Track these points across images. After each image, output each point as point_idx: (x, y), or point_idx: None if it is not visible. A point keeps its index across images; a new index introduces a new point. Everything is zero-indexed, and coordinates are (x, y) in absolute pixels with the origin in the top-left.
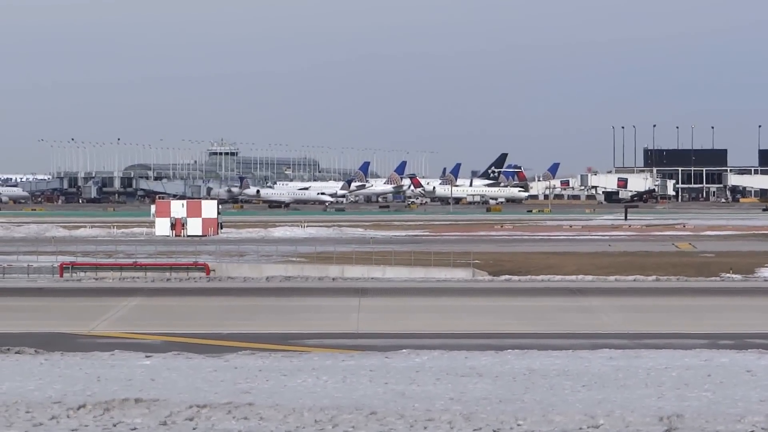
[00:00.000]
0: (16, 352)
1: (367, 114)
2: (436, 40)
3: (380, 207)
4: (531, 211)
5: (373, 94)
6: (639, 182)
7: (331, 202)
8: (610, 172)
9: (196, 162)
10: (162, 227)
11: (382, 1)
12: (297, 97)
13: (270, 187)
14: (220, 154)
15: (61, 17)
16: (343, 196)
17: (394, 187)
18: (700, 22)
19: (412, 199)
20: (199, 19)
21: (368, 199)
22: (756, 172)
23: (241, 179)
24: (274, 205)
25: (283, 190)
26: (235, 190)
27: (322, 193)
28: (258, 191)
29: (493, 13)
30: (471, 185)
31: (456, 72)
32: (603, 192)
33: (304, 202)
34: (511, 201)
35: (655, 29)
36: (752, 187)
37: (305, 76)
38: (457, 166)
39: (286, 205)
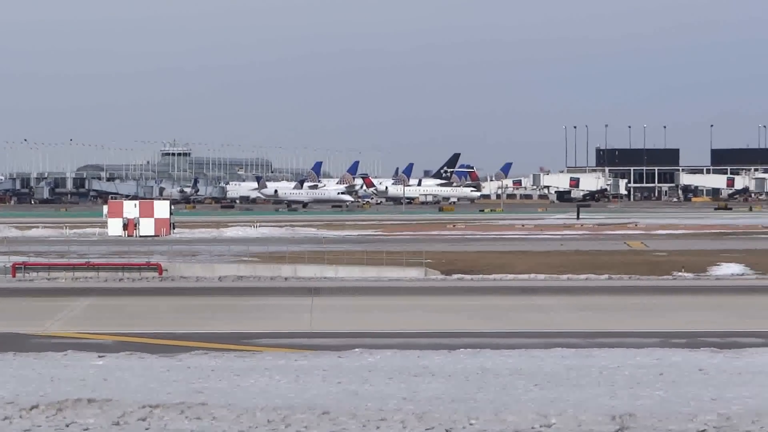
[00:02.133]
0: None
1: (319, 114)
2: (389, 39)
3: (333, 207)
4: (483, 210)
5: (326, 93)
6: (591, 182)
7: (352, 201)
8: (562, 171)
9: (148, 162)
10: (114, 227)
11: (335, 6)
12: (249, 97)
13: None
14: (173, 154)
15: (9, 15)
16: (366, 196)
17: (346, 187)
18: (651, 22)
19: (366, 199)
20: (150, 16)
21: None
22: (708, 171)
23: (258, 178)
24: (226, 205)
25: (302, 191)
26: (253, 186)
27: (343, 192)
28: (276, 191)
29: (445, 11)
30: (420, 185)
31: (408, 71)
32: (555, 191)
33: (325, 201)
34: (464, 200)
35: (605, 29)
36: (704, 187)
37: (258, 76)
38: (410, 166)
39: (305, 204)
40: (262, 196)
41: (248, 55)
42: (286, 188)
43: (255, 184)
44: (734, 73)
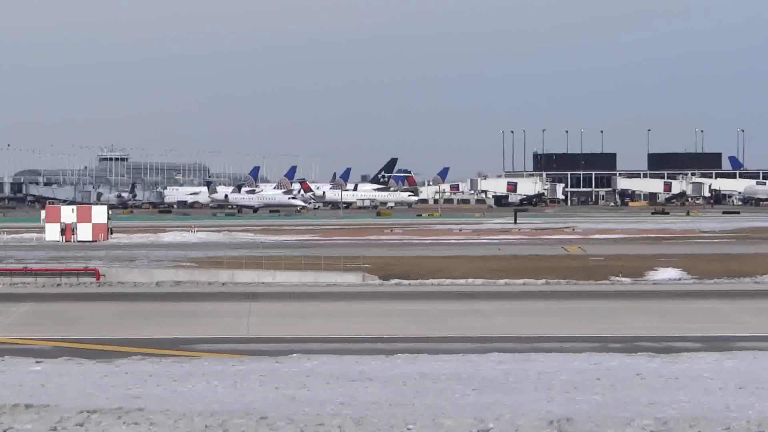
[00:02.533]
0: None
1: (257, 119)
2: (325, 45)
3: (270, 211)
4: (421, 215)
5: (263, 99)
6: (528, 186)
7: (303, 206)
8: (499, 176)
9: (86, 167)
10: (52, 232)
11: (272, 8)
12: (187, 103)
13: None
14: (111, 159)
15: None
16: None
17: (283, 192)
18: (586, 30)
19: (302, 204)
20: (86, 22)
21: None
22: (645, 175)
23: (209, 183)
24: (164, 210)
25: (253, 196)
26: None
27: (294, 197)
28: (226, 196)
29: (378, 18)
30: (356, 189)
31: (346, 76)
32: (493, 196)
33: (276, 206)
34: (402, 205)
35: (541, 37)
36: (641, 191)
37: (195, 82)
38: (348, 171)
39: (255, 209)
40: (210, 201)
41: (184, 61)
42: (236, 193)
43: (193, 189)
44: (671, 77)
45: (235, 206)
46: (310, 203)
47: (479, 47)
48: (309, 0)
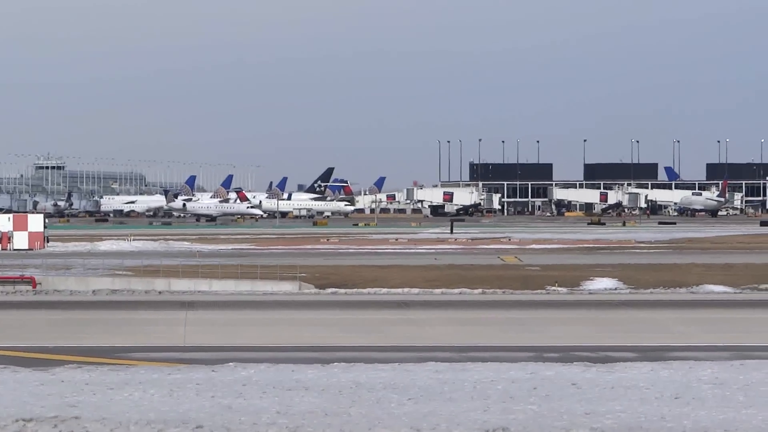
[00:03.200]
0: None
1: (193, 128)
2: (263, 53)
3: (207, 221)
4: (357, 224)
5: (199, 107)
6: (465, 196)
7: (262, 216)
8: (436, 186)
9: (22, 176)
10: None
11: (209, 13)
12: (123, 111)
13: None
14: (47, 168)
15: None
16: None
17: (220, 201)
18: (525, 38)
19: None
20: (21, 28)
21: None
22: (581, 186)
23: (166, 192)
24: (101, 219)
25: (211, 204)
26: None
27: (253, 206)
28: (184, 204)
29: (317, 25)
30: (290, 198)
31: (281, 84)
32: (429, 206)
33: (234, 214)
34: (338, 214)
35: (480, 43)
36: (577, 201)
37: (131, 88)
38: (284, 180)
39: (214, 218)
40: (171, 210)
41: (120, 70)
42: (194, 202)
43: (129, 198)
44: (607, 88)
45: (193, 215)
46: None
47: (415, 57)
48: (247, 7)
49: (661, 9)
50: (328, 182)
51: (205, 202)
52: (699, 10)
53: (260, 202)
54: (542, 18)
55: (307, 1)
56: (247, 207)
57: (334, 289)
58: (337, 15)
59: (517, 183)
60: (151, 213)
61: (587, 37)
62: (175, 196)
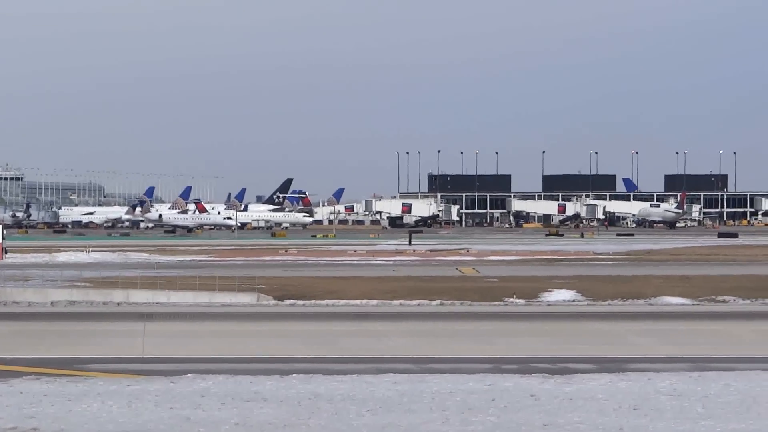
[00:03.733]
0: None
1: (151, 139)
2: (221, 63)
3: (165, 231)
4: (316, 236)
5: (158, 118)
6: (423, 207)
7: (239, 227)
8: (394, 197)
9: None
10: None
11: (166, 25)
12: (82, 122)
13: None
14: (5, 179)
15: None
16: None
17: (179, 212)
18: (483, 49)
19: (147, 224)
20: None
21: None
22: (539, 197)
23: (142, 203)
24: (59, 230)
25: (186, 216)
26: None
27: (229, 217)
28: (160, 215)
29: (277, 36)
30: (245, 209)
31: (240, 95)
32: (387, 217)
33: (210, 226)
34: (297, 226)
35: (439, 55)
36: (536, 213)
37: (89, 98)
38: (243, 191)
39: (190, 230)
40: (145, 221)
41: (79, 80)
42: (170, 213)
43: (87, 209)
44: (565, 99)
45: (170, 226)
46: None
47: (373, 69)
48: (204, 19)
49: (617, 21)
50: (286, 193)
51: (182, 214)
52: (655, 21)
53: (219, 213)
54: (500, 30)
55: (264, 13)
56: (224, 219)
57: (292, 301)
58: (295, 27)
59: (476, 194)
60: (110, 224)
61: (545, 49)
62: (134, 207)
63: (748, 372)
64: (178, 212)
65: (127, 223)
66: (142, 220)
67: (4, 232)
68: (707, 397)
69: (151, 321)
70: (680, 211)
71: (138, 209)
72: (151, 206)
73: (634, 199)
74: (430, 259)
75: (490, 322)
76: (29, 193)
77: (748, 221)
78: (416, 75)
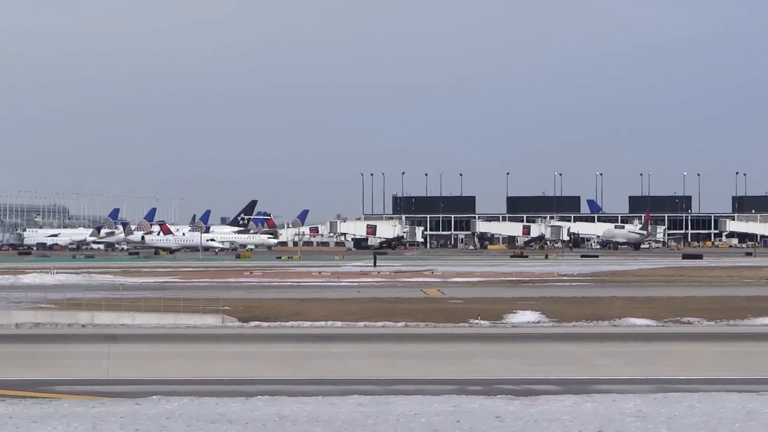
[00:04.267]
0: None
1: (116, 160)
2: (180, 84)
3: (129, 254)
4: (281, 257)
5: (122, 140)
6: (388, 229)
7: (221, 249)
8: (359, 219)
9: None
10: None
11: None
12: (46, 144)
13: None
14: None
15: None
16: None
17: (143, 234)
18: (447, 71)
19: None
20: None
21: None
22: (504, 218)
23: (125, 225)
24: (24, 252)
25: (170, 237)
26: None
27: (212, 239)
28: (143, 237)
29: (236, 54)
30: (207, 231)
31: (205, 117)
32: (352, 239)
33: (194, 248)
34: (261, 247)
35: (402, 75)
36: (500, 234)
37: (53, 120)
38: (207, 213)
39: (173, 251)
40: (129, 243)
41: (43, 102)
42: (153, 235)
43: (52, 231)
44: (529, 120)
45: (153, 247)
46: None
47: (337, 89)
48: (164, 40)
49: (581, 43)
50: (251, 215)
51: (164, 236)
52: (619, 44)
53: (184, 234)
54: (464, 51)
55: (223, 34)
56: (207, 240)
57: (257, 323)
58: (258, 46)
59: (440, 216)
60: (75, 246)
61: (511, 71)
62: (98, 229)
63: (712, 393)
64: (160, 234)
65: (97, 246)
66: (116, 243)
67: None
68: (672, 419)
69: (116, 343)
70: (645, 232)
71: (103, 230)
72: (116, 228)
73: (598, 221)
74: (395, 281)
75: (455, 344)
76: None
77: (713, 243)
78: (380, 96)
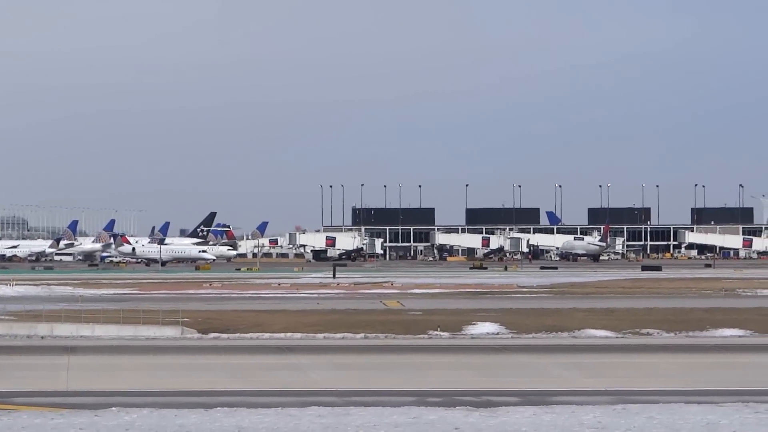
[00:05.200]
0: None
1: (74, 172)
2: (146, 96)
3: (89, 265)
4: (240, 269)
5: (81, 152)
6: (347, 241)
7: (214, 260)
8: (318, 230)
9: None
10: None
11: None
12: (5, 156)
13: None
14: None
15: None
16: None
17: (102, 245)
18: (405, 85)
19: (213, 258)
20: None
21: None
22: (463, 230)
23: (115, 236)
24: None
25: (160, 248)
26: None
27: (204, 251)
28: (134, 249)
29: (196, 70)
30: (162, 243)
31: (163, 128)
32: (312, 250)
33: (184, 259)
34: (221, 259)
35: (362, 89)
36: (459, 246)
37: (11, 134)
38: (166, 225)
39: (163, 263)
40: (117, 255)
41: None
42: (143, 246)
43: (11, 242)
44: (488, 133)
45: (143, 259)
46: (124, 258)
47: (295, 104)
48: (124, 53)
49: (539, 57)
50: (210, 227)
51: (155, 247)
52: (578, 58)
53: (143, 246)
54: (422, 68)
55: (185, 50)
56: (199, 252)
57: (216, 334)
58: (216, 63)
59: (400, 228)
60: (34, 258)
61: (470, 84)
62: (58, 241)
63: (671, 404)
64: (94, 243)
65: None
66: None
67: None
68: (631, 430)
69: (75, 354)
70: (604, 244)
71: (61, 243)
72: (75, 239)
73: (557, 233)
74: (354, 293)
75: (415, 355)
76: None
77: (672, 254)
78: (339, 110)
